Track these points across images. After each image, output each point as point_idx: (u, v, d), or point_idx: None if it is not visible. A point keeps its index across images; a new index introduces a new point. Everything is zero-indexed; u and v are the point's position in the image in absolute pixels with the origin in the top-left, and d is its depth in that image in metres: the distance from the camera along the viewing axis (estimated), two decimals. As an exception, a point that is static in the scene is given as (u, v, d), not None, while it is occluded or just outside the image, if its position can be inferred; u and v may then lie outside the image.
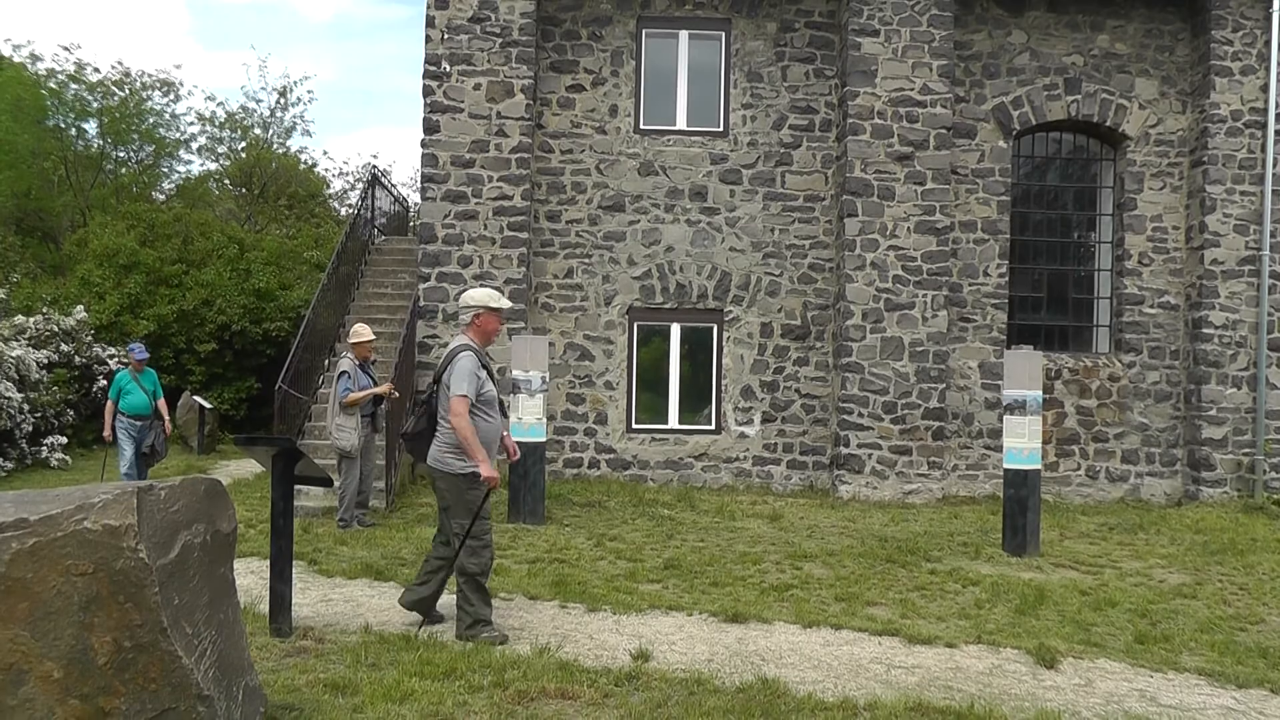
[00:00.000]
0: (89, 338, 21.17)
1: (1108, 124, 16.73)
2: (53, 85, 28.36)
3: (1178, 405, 16.78)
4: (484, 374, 7.21)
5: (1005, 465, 11.75)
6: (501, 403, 7.45)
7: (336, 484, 12.09)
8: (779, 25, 16.73)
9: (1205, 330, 16.24)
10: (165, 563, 4.39)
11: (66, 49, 43.60)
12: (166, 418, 14.40)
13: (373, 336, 12.60)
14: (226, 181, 34.17)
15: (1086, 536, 12.93)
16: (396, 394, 13.28)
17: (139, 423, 13.87)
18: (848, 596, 9.00)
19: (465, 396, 7.00)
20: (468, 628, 7.13)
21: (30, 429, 18.03)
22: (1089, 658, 7.17)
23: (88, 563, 4.23)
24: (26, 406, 17.86)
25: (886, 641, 7.48)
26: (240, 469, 17.91)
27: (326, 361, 16.09)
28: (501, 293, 15.73)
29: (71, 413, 19.83)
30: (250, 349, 23.82)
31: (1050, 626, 8.14)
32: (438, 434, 7.27)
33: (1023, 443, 11.53)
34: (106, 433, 13.97)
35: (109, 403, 13.98)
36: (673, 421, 16.68)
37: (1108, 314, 17.19)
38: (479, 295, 7.39)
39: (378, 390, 12.32)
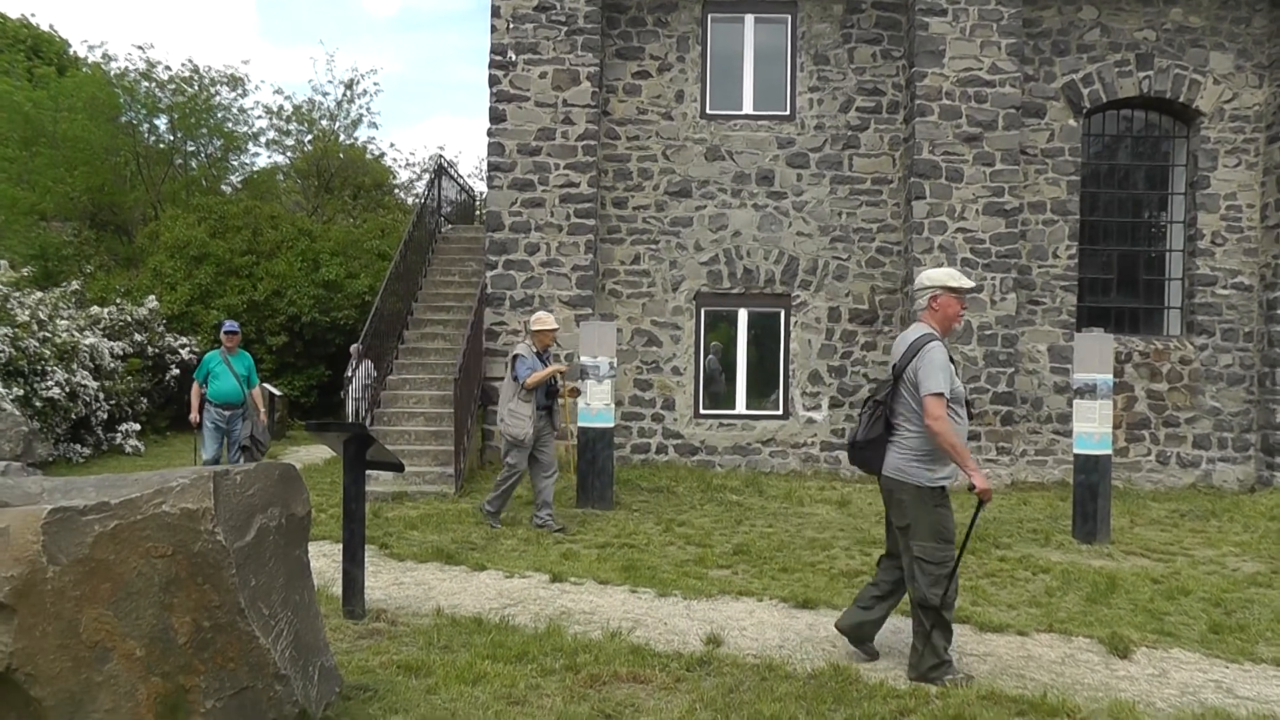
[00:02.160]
0: (161, 327, 21.51)
1: (1181, 100, 16.45)
2: (125, 83, 28.76)
3: (1251, 389, 16.49)
4: (952, 367, 6.18)
5: (1075, 450, 11.61)
6: (969, 402, 6.50)
7: (501, 474, 11.45)
8: (845, 6, 16.60)
9: (1281, 312, 15.95)
10: (242, 545, 4.46)
11: (139, 48, 44.38)
12: (261, 408, 13.10)
13: (557, 325, 11.73)
14: (294, 174, 34.49)
15: (1157, 523, 12.75)
16: (579, 391, 12.91)
17: (228, 412, 12.58)
18: (918, 582, 8.95)
19: (941, 395, 6.00)
20: (929, 669, 6.17)
21: (105, 416, 18.38)
22: (1162, 647, 7.07)
23: (167, 545, 4.31)
24: (102, 394, 18.19)
25: (958, 629, 7.39)
26: (310, 455, 18.14)
27: (395, 348, 16.23)
28: (569, 279, 15.84)
29: (145, 400, 20.18)
30: (319, 338, 24.14)
31: (1122, 615, 8.03)
32: (897, 439, 6.24)
33: (1093, 427, 11.39)
34: (194, 416, 12.75)
35: (195, 384, 12.75)
36: (740, 407, 16.66)
37: (1179, 295, 16.91)
38: (937, 274, 6.34)
39: (555, 368, 11.44)
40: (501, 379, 15.70)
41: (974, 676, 6.25)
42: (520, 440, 11.09)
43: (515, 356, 11.29)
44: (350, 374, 17.99)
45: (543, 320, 11.41)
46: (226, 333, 12.87)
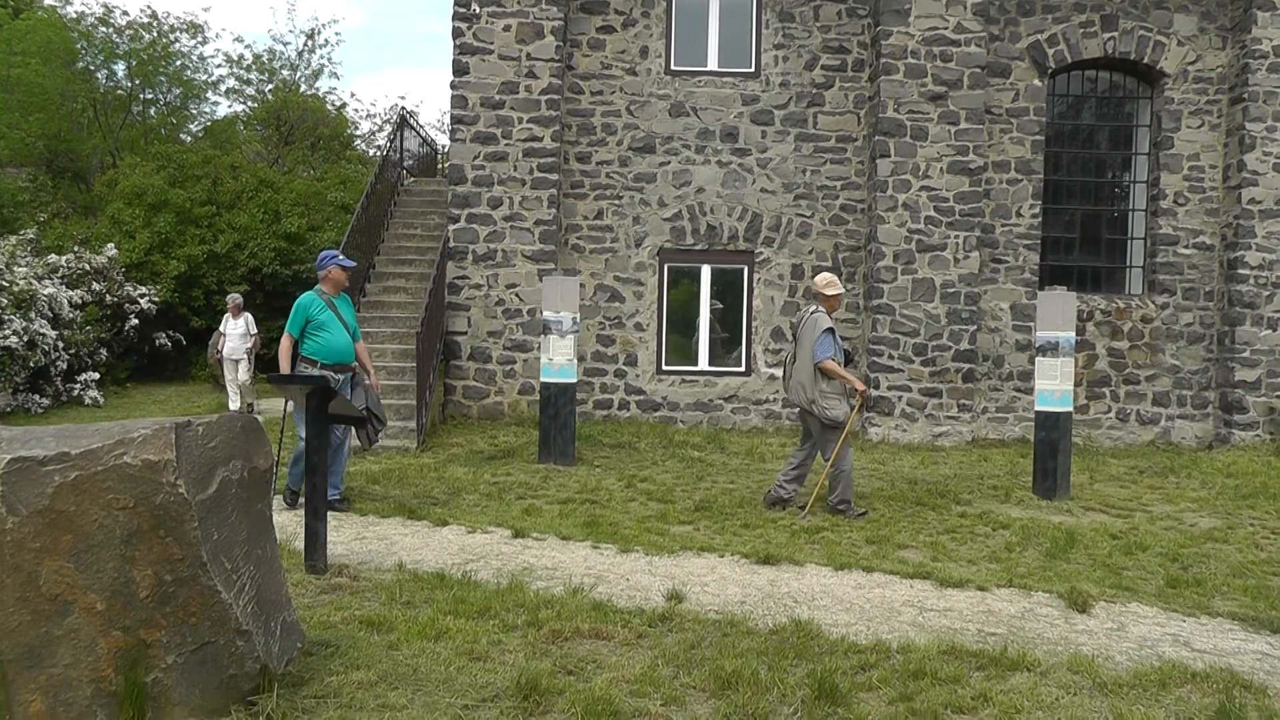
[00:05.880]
0: (120, 276, 21.26)
1: (1145, 61, 16.48)
2: (82, 28, 28.32)
3: (1210, 347, 16.64)
4: None
5: (1036, 408, 11.68)
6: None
7: (827, 460, 10.08)
8: (811, -37, 16.52)
9: (1241, 271, 16.07)
10: (204, 498, 4.42)
11: (96, -8, 43.62)
12: (370, 369, 9.87)
13: (844, 289, 10.39)
14: (254, 124, 34.12)
15: (1116, 480, 12.88)
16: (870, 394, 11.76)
17: (341, 377, 9.38)
18: (878, 539, 9.00)
19: None
20: None
21: (64, 367, 18.19)
22: (1120, 602, 7.14)
23: (128, 497, 4.26)
24: (61, 344, 18.00)
25: (918, 584, 7.47)
26: (272, 407, 18.03)
27: (356, 302, 16.12)
28: (532, 234, 15.78)
29: (104, 351, 19.98)
30: (281, 290, 23.95)
31: (1081, 570, 8.12)
32: None
33: (1054, 385, 11.46)
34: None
35: (286, 339, 9.41)
36: (703, 363, 16.66)
37: (1141, 255, 17.02)
38: None
39: (858, 387, 10.12)
40: (464, 333, 15.68)
41: None
42: (840, 422, 9.97)
43: (827, 330, 9.96)
44: (221, 329, 17.31)
45: (834, 283, 10.28)
46: (340, 266, 9.67)
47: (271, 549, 5.01)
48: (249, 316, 17.67)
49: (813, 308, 10.25)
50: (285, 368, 9.33)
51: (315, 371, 9.19)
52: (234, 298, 17.85)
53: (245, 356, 17.32)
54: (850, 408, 10.16)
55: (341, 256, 9.67)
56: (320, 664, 5.22)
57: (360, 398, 9.36)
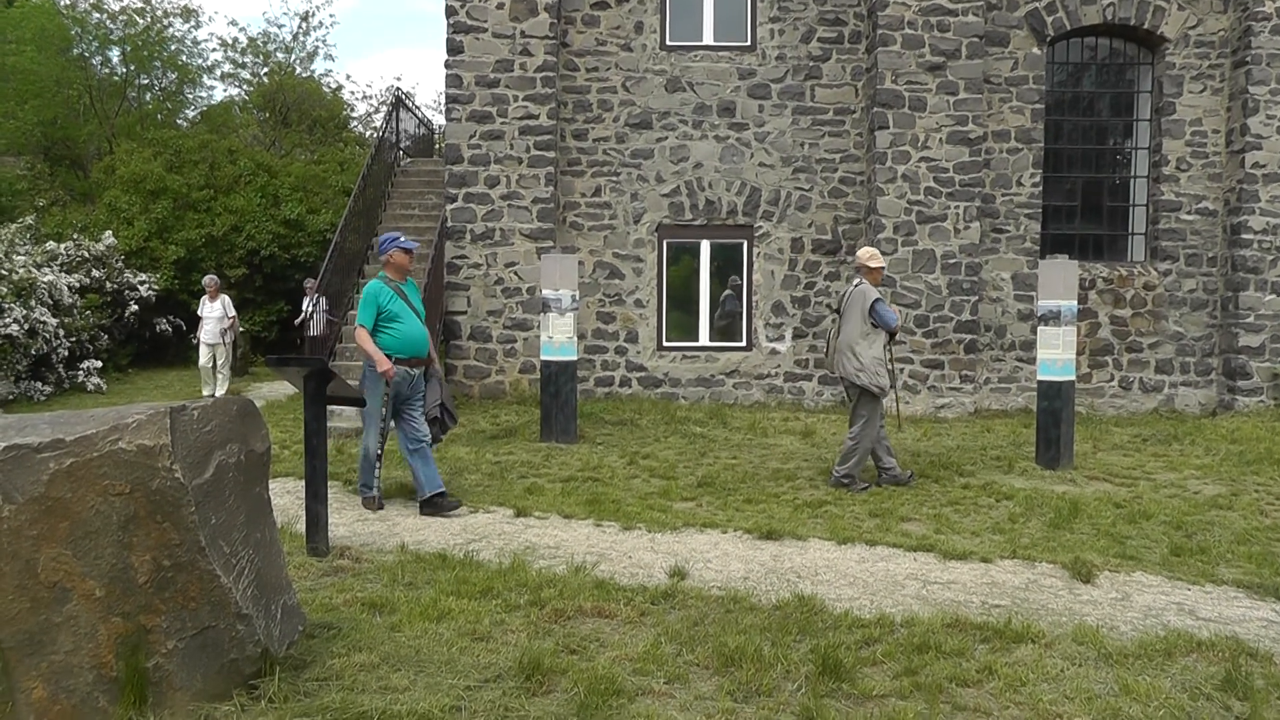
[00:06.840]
0: (119, 263, 21.26)
1: (1145, 26, 16.36)
2: (75, 15, 28.27)
3: (1214, 313, 16.58)
4: None
5: (1039, 377, 11.63)
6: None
7: (851, 433, 10.14)
8: (807, -66, 16.40)
9: (1244, 236, 16.00)
10: (201, 482, 4.39)
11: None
12: (436, 359, 9.27)
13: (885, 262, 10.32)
14: (251, 107, 34.06)
15: (1120, 448, 12.84)
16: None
17: (416, 370, 8.82)
18: (881, 512, 8.98)
19: None
20: None
21: (66, 354, 18.19)
22: (1125, 571, 7.12)
23: (124, 483, 4.24)
24: (62, 331, 17.99)
25: (921, 557, 7.45)
26: (273, 391, 18.02)
27: (356, 284, 16.09)
28: (529, 212, 15.73)
29: (106, 337, 19.98)
30: (279, 273, 23.94)
31: (1085, 540, 8.09)
32: None
33: (1056, 354, 11.40)
34: (386, 367, 8.50)
35: (361, 331, 8.62)
36: (703, 339, 16.63)
37: (1143, 221, 16.95)
38: None
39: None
40: (464, 313, 15.65)
41: None
42: (886, 390, 9.99)
43: (877, 300, 9.97)
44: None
45: (877, 256, 10.29)
46: (401, 249, 8.88)
47: (271, 532, 4.99)
48: (226, 299, 17.60)
49: (857, 281, 10.24)
50: (378, 357, 8.49)
51: (394, 368, 8.62)
52: (211, 279, 17.71)
53: (222, 340, 17.22)
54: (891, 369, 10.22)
55: (404, 238, 8.94)
56: (322, 646, 5.20)
57: (435, 392, 9.04)
